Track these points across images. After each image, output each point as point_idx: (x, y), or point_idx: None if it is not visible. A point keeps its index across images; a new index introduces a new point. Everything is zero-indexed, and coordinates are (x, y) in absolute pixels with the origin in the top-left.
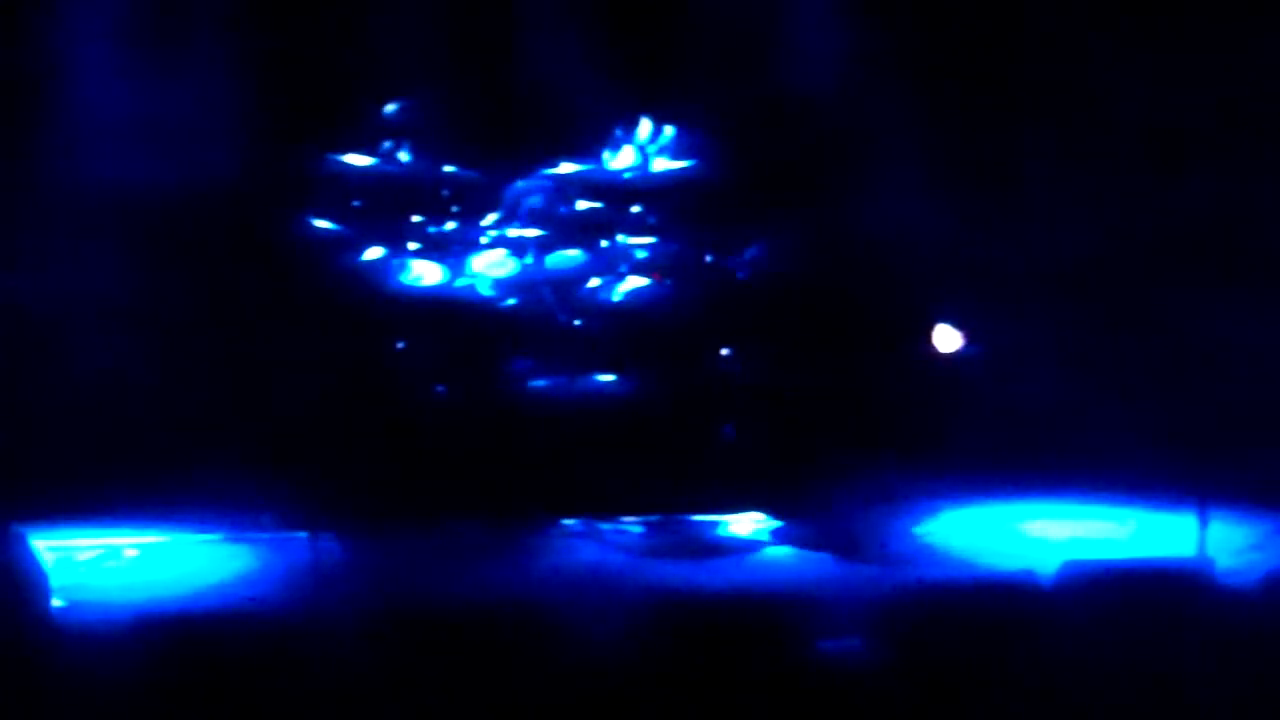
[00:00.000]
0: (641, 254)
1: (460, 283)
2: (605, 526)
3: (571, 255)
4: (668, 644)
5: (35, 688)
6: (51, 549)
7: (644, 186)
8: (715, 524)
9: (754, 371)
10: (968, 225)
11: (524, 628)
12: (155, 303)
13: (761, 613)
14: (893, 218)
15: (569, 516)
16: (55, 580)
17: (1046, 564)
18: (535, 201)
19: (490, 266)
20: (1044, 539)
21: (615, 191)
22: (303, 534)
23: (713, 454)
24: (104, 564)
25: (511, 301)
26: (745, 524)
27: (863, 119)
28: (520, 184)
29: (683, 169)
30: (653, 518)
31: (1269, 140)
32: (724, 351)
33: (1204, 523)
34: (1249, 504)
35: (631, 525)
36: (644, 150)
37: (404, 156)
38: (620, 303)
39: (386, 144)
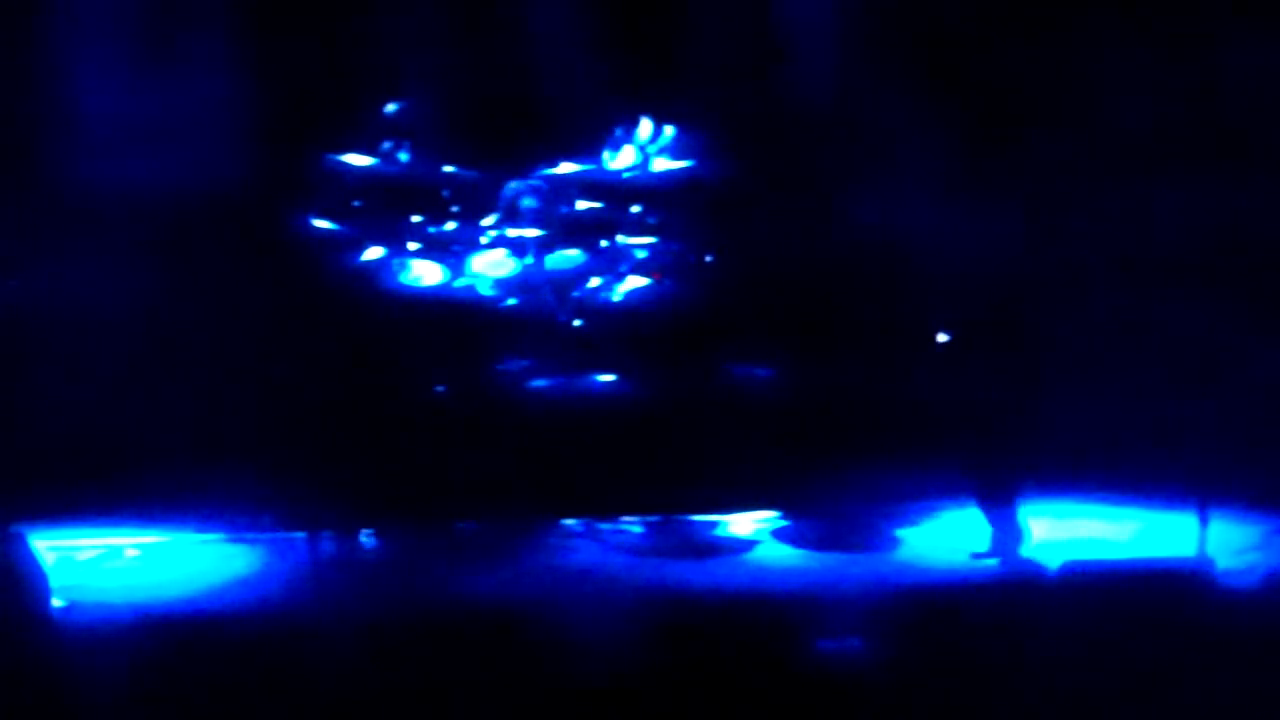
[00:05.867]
0: (641, 254)
1: (460, 283)
2: (605, 526)
3: (571, 255)
4: (668, 644)
5: (35, 688)
6: (51, 549)
7: (644, 186)
8: (715, 524)
9: (754, 372)
10: (968, 225)
11: (524, 628)
12: (155, 303)
13: (761, 613)
14: (893, 218)
15: (569, 516)
16: (55, 580)
17: (1046, 564)
18: (529, 201)
19: (490, 266)
20: (1044, 539)
21: (615, 191)
22: (303, 534)
23: (713, 454)
24: (104, 564)
25: (511, 301)
26: (745, 524)
27: (863, 119)
28: (514, 184)
29: (683, 169)
30: (653, 518)
31: (1269, 143)
32: (723, 352)
33: (1204, 523)
34: (1249, 504)
35: (631, 525)
36: (644, 150)
37: (404, 156)
38: (620, 303)
39: (386, 144)
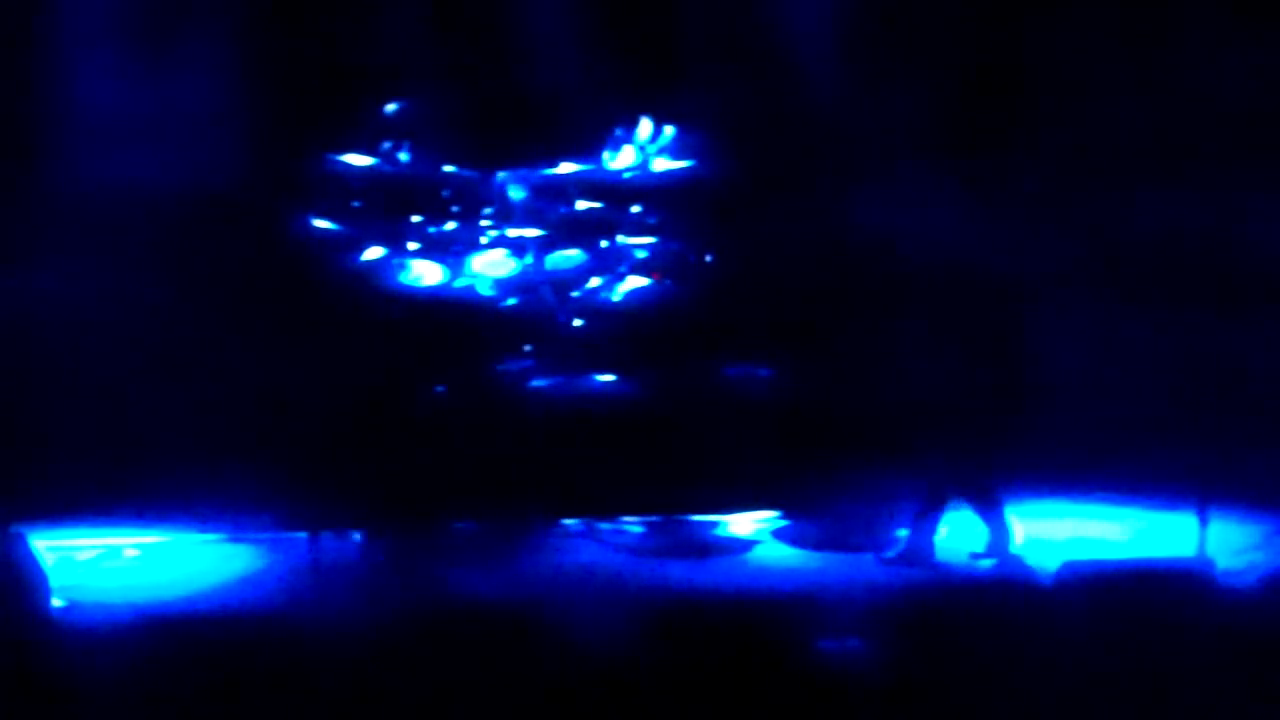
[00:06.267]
0: (641, 254)
1: (460, 283)
2: (605, 526)
3: (571, 255)
4: (668, 644)
5: (35, 688)
6: (51, 549)
7: (644, 186)
8: (715, 524)
9: (753, 372)
10: (968, 225)
11: (524, 628)
12: (156, 303)
13: (761, 613)
14: (893, 218)
15: (569, 516)
16: (55, 580)
17: (1046, 564)
18: (518, 193)
19: (490, 266)
20: (1044, 539)
21: (615, 191)
22: (303, 534)
23: (713, 454)
24: (104, 564)
25: (511, 301)
26: (745, 524)
27: (863, 119)
28: (502, 175)
29: (683, 169)
30: (653, 518)
31: (1269, 149)
32: (723, 352)
33: (1204, 523)
34: (1249, 504)
35: (631, 525)
36: (644, 150)
37: (404, 156)
38: (620, 303)
39: (386, 144)
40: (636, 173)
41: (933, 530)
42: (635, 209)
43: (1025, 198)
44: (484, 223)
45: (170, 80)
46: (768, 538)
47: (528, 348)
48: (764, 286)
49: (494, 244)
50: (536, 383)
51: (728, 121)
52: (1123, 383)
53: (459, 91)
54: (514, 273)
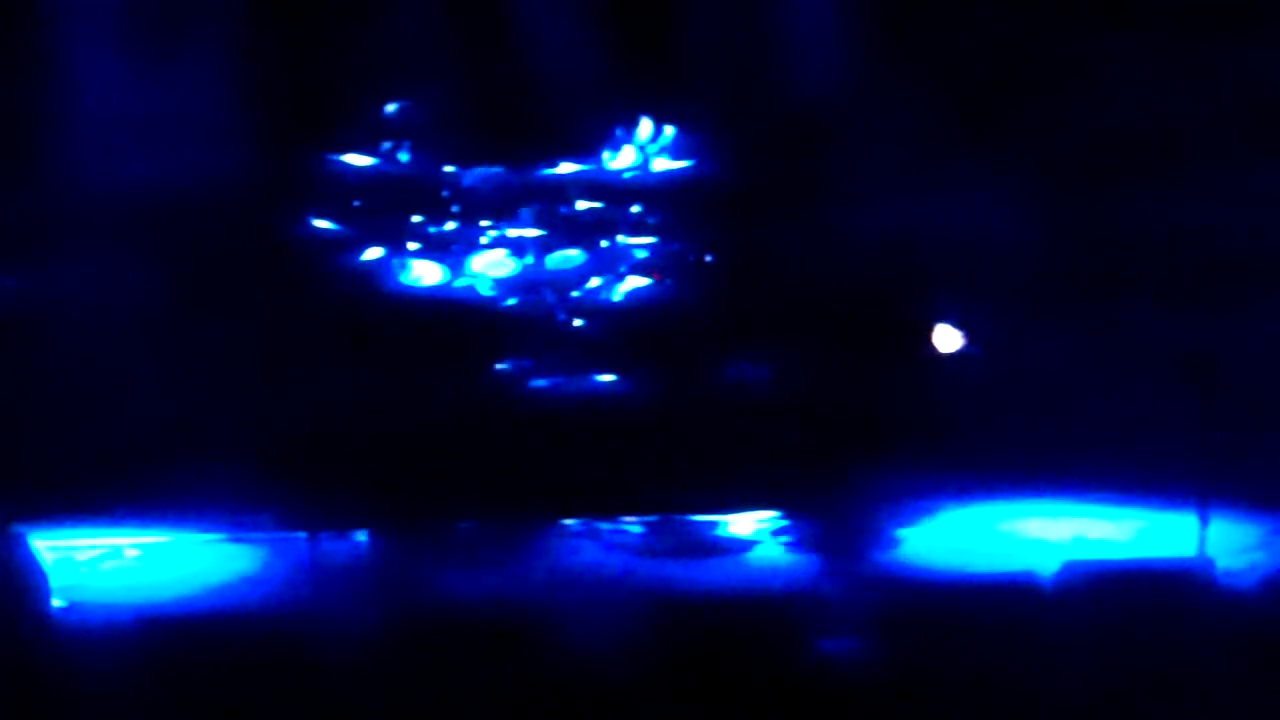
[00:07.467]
0: (641, 254)
1: (460, 283)
2: (605, 526)
3: (571, 255)
4: (668, 644)
5: (35, 688)
6: (51, 549)
7: (644, 186)
8: (715, 524)
9: (754, 372)
10: (968, 225)
11: (525, 628)
12: (155, 303)
13: (761, 613)
14: (894, 218)
15: (569, 516)
16: (55, 580)
17: (1046, 564)
18: (518, 194)
19: (490, 266)
20: (1044, 539)
21: (615, 191)
22: (303, 534)
23: (713, 454)
24: (104, 564)
25: (511, 301)
26: (745, 524)
27: (863, 118)
28: (501, 175)
29: (683, 169)
30: (653, 518)
31: (1269, 143)
32: (724, 351)
33: (1204, 523)
34: (1249, 504)
35: (631, 525)
36: (644, 150)
37: (404, 156)
38: (620, 303)
39: (386, 144)
40: (636, 173)
41: (928, 530)
42: (635, 209)
43: (1025, 196)
44: (484, 223)
45: (171, 80)
46: (768, 538)
47: (528, 348)
48: (764, 286)
49: (494, 244)
50: (536, 383)
51: (728, 121)
52: (1123, 382)
53: (459, 91)
54: (514, 273)
